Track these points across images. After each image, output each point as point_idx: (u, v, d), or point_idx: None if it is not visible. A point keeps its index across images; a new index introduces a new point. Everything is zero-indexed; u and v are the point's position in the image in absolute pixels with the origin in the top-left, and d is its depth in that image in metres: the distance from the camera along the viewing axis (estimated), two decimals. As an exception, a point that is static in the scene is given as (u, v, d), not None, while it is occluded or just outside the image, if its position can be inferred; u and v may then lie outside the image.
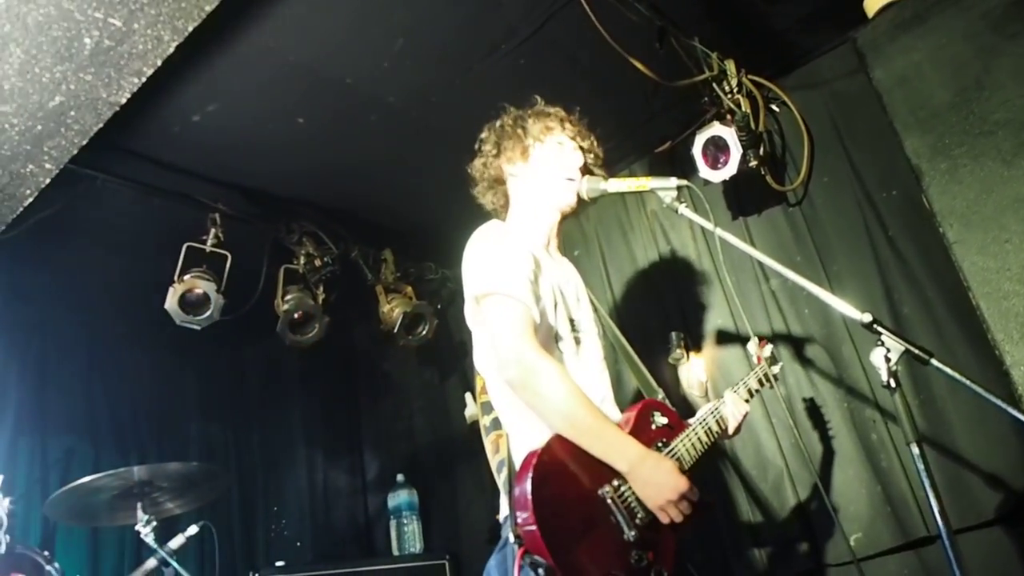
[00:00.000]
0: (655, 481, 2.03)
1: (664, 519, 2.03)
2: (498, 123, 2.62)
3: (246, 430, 4.94)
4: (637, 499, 2.05)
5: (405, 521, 4.75)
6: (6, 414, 4.01)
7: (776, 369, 2.86)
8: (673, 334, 3.84)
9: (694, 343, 3.89)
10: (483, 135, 2.64)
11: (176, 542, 3.34)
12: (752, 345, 2.82)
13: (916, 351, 1.97)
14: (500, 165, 2.57)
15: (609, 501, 2.01)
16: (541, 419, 2.12)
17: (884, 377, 1.97)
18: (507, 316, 2.16)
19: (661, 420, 2.31)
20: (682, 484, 2.04)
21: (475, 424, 4.57)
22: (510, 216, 2.57)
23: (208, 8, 2.61)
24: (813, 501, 3.42)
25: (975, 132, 3.28)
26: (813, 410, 3.52)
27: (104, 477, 3.27)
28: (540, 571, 1.86)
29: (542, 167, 2.51)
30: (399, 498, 4.81)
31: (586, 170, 2.54)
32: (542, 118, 2.57)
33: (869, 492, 3.32)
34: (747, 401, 2.61)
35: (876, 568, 3.25)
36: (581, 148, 2.55)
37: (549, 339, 2.28)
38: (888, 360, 1.97)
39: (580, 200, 2.53)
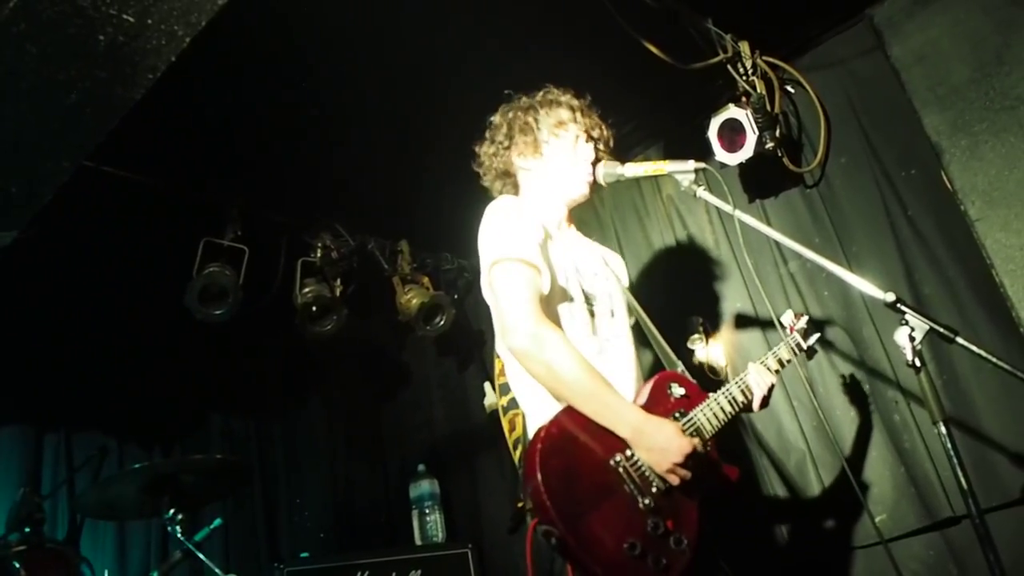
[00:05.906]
0: (658, 445, 2.03)
1: (674, 481, 2.04)
2: (509, 112, 2.60)
3: (267, 423, 4.96)
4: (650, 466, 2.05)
5: (427, 511, 4.75)
6: (30, 412, 4.05)
7: (812, 341, 2.81)
8: (692, 318, 3.83)
9: (712, 328, 3.87)
10: (494, 120, 2.62)
11: (201, 535, 3.37)
12: (787, 316, 2.79)
13: (941, 329, 1.96)
14: (511, 158, 2.56)
15: (621, 470, 2.02)
16: (546, 388, 2.13)
17: (909, 356, 1.95)
18: (513, 282, 2.16)
19: (679, 391, 2.31)
20: (685, 445, 2.04)
21: (494, 413, 4.59)
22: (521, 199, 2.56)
23: (221, 2, 2.60)
24: (836, 483, 3.39)
25: (996, 107, 3.24)
26: (835, 392, 3.49)
27: (129, 472, 3.32)
28: (552, 541, 1.87)
29: (554, 163, 2.51)
30: (421, 488, 4.82)
31: (597, 161, 2.53)
32: (554, 109, 2.54)
33: (893, 473, 3.30)
34: (777, 372, 2.56)
35: (901, 549, 3.23)
36: (592, 139, 2.54)
37: (559, 311, 2.27)
38: (912, 339, 1.95)
39: (594, 185, 2.53)
